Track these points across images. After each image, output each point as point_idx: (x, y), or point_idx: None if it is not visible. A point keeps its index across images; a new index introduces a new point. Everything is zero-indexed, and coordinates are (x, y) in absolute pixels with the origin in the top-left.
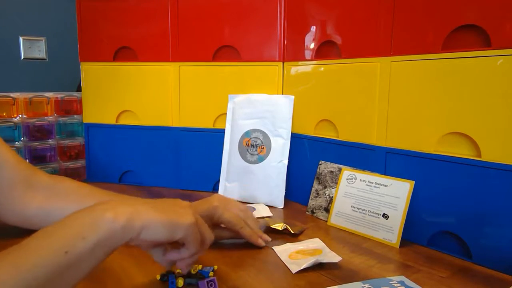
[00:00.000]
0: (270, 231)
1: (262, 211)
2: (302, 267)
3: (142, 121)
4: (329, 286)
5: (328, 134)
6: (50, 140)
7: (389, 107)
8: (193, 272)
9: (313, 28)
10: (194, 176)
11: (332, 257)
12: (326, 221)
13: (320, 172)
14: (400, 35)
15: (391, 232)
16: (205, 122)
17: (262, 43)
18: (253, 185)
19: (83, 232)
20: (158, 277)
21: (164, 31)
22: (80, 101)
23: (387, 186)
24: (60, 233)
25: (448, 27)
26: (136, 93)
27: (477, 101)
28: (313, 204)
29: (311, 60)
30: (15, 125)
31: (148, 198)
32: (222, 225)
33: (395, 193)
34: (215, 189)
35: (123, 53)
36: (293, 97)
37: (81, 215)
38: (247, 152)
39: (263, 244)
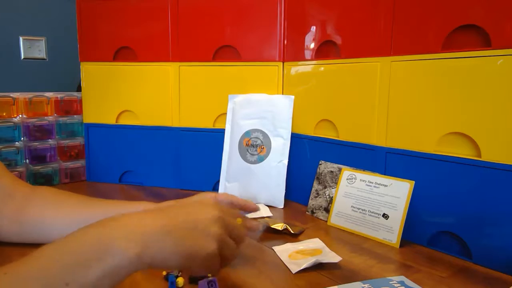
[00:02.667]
0: (270, 231)
1: (262, 211)
2: (302, 267)
3: (142, 121)
4: (329, 286)
5: (328, 134)
6: (50, 140)
7: (389, 107)
8: None
9: (313, 28)
10: (194, 176)
11: (332, 257)
12: (326, 221)
13: (320, 172)
14: (400, 35)
15: (391, 232)
16: (205, 122)
17: (262, 43)
18: (253, 185)
19: (88, 260)
20: (164, 273)
21: (164, 31)
22: (80, 101)
23: (387, 186)
24: (63, 260)
25: (448, 27)
26: (136, 93)
27: (477, 101)
28: (313, 204)
29: (311, 60)
30: (15, 125)
31: (159, 203)
32: None
33: (395, 193)
34: (215, 189)
35: (123, 53)
36: (293, 97)
37: (88, 238)
38: (247, 152)
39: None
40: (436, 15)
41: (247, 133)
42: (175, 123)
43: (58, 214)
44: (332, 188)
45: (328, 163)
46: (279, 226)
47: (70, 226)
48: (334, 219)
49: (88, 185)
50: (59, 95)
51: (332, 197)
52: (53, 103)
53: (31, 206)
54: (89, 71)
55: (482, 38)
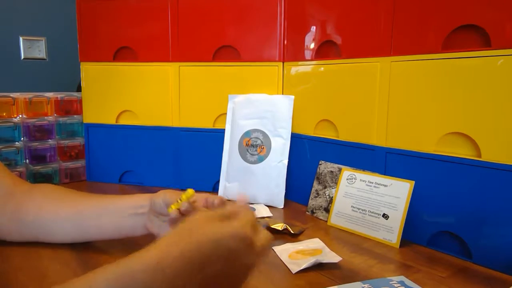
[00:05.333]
0: (270, 231)
1: (262, 211)
2: (302, 267)
3: (142, 121)
4: (329, 286)
5: (328, 134)
6: (50, 140)
7: (389, 107)
8: None
9: (313, 28)
10: (194, 176)
11: (332, 257)
12: (326, 221)
13: (320, 172)
14: (400, 35)
15: (391, 232)
16: (205, 122)
17: (262, 43)
18: (253, 185)
19: None
20: None
21: (164, 31)
22: (80, 101)
23: (387, 186)
24: None
25: (448, 27)
26: (136, 93)
27: (477, 101)
28: (313, 204)
29: (311, 60)
30: (15, 125)
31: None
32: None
33: (395, 193)
34: (215, 189)
35: (123, 53)
36: (293, 97)
37: None
38: (247, 152)
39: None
40: (436, 15)
41: (247, 133)
42: (175, 123)
43: (57, 210)
44: (332, 188)
45: (328, 163)
46: (279, 226)
47: (68, 221)
48: (334, 219)
49: (88, 185)
50: (59, 95)
51: (332, 197)
52: (53, 103)
53: (30, 203)
54: (89, 71)
55: (482, 38)
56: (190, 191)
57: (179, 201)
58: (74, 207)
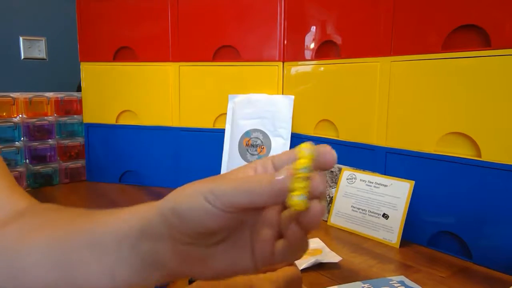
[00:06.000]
0: None
1: None
2: (302, 267)
3: (142, 121)
4: (329, 286)
5: (328, 134)
6: (50, 140)
7: (389, 107)
8: None
9: (313, 28)
10: (194, 176)
11: (332, 257)
12: (326, 221)
13: None
14: (400, 35)
15: (391, 232)
16: (205, 122)
17: (262, 43)
18: None
19: None
20: None
21: (164, 31)
22: (80, 101)
23: (387, 186)
24: None
25: (448, 27)
26: (136, 93)
27: (477, 101)
28: None
29: (311, 60)
30: (15, 125)
31: None
32: None
33: (395, 193)
34: None
35: (123, 53)
36: (293, 97)
37: None
38: (247, 152)
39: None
40: (436, 15)
41: (247, 133)
42: (175, 123)
43: (34, 237)
44: (332, 188)
45: None
46: None
47: (44, 255)
48: (334, 219)
49: (88, 185)
50: (59, 95)
51: (332, 197)
52: (53, 103)
53: (11, 228)
54: (89, 71)
55: (482, 38)
56: (305, 148)
57: (302, 177)
58: (55, 232)
